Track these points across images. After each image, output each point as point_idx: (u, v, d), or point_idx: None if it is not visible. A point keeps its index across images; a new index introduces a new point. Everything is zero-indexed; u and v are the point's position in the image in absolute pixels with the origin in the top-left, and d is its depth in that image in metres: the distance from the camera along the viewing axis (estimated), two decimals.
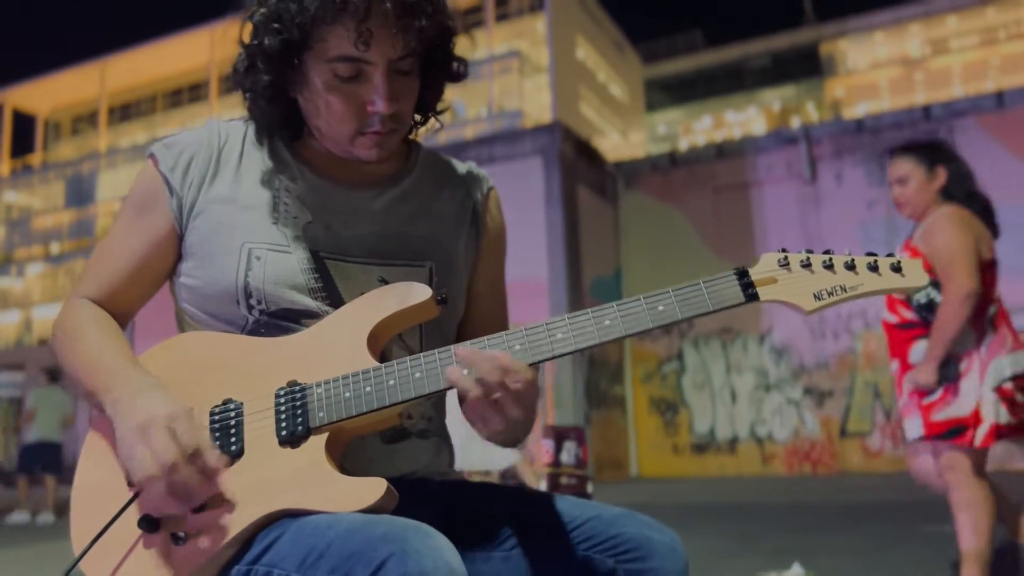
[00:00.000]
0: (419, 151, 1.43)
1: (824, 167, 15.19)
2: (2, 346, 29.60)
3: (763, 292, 1.12)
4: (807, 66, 32.68)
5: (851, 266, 1.12)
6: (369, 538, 0.99)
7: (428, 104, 1.36)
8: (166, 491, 1.07)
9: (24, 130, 35.27)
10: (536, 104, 24.60)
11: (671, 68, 34.60)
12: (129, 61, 31.34)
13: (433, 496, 1.28)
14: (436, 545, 0.98)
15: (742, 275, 1.13)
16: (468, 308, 1.40)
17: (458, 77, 1.35)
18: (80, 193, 30.83)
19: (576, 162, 15.98)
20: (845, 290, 1.12)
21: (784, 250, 1.15)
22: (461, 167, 1.45)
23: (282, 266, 1.24)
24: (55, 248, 30.96)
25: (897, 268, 1.12)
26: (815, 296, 1.12)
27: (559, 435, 3.10)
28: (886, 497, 9.28)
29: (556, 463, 3.11)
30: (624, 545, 1.18)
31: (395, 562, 0.95)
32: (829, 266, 1.12)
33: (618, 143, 27.82)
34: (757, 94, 33.86)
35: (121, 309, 1.31)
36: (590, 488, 3.77)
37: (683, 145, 29.69)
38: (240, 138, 1.34)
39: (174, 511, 1.10)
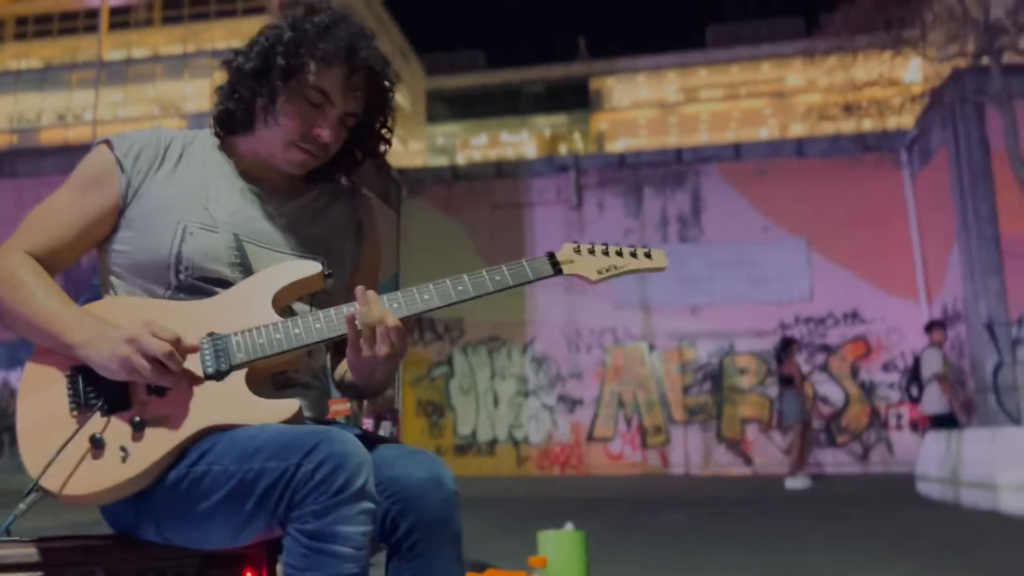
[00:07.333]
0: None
1: (589, 195, 16.53)
2: None
3: (566, 268, 1.57)
4: (577, 98, 34.78)
5: (619, 252, 1.61)
6: (298, 433, 1.31)
7: (346, 153, 1.74)
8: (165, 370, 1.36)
9: None
10: None
11: (453, 83, 35.46)
12: None
13: None
14: (352, 438, 1.32)
15: (551, 256, 1.57)
16: (350, 294, 1.76)
17: (375, 155, 1.77)
18: None
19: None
20: (617, 268, 1.59)
21: (576, 242, 1.60)
22: (348, 186, 1.84)
23: (209, 242, 1.54)
24: None
25: (648, 255, 1.62)
26: (598, 271, 1.59)
27: (379, 416, 3.56)
28: (625, 493, 10.45)
29: None
30: (393, 486, 1.41)
31: (324, 445, 1.27)
32: (605, 252, 1.60)
33: (398, 150, 28.21)
34: (531, 119, 35.58)
35: (55, 265, 1.54)
36: None
37: (460, 159, 30.63)
38: (181, 142, 1.67)
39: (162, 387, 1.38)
